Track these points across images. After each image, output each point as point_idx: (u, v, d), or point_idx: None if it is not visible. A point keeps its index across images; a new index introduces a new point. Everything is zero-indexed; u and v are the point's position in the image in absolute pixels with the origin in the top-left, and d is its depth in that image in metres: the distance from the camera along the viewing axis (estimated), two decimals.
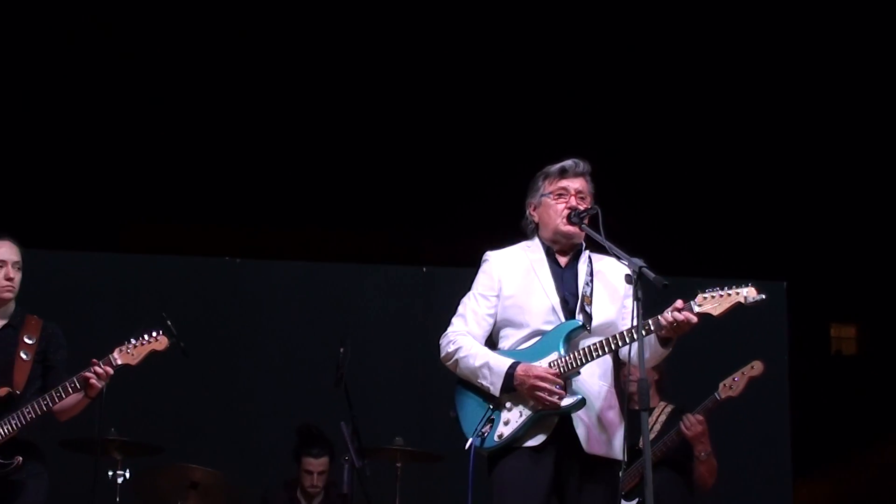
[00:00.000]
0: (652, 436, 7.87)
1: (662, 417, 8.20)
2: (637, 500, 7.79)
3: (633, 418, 7.29)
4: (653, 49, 15.48)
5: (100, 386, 6.61)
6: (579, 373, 5.83)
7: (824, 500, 27.91)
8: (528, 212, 6.19)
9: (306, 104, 15.76)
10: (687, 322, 5.71)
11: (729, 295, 5.78)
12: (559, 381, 5.76)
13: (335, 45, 15.17)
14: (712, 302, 5.77)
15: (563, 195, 6.02)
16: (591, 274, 6.04)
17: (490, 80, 15.43)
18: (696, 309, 5.75)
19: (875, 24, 15.00)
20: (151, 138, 15.50)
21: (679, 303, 5.76)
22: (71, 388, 6.60)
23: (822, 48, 15.60)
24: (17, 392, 6.73)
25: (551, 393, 5.74)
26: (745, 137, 16.93)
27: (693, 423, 7.88)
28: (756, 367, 7.90)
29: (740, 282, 5.82)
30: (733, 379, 7.89)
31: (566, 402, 5.79)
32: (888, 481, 26.73)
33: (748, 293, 5.77)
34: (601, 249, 5.99)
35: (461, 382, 6.04)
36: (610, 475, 5.96)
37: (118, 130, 15.34)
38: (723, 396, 7.90)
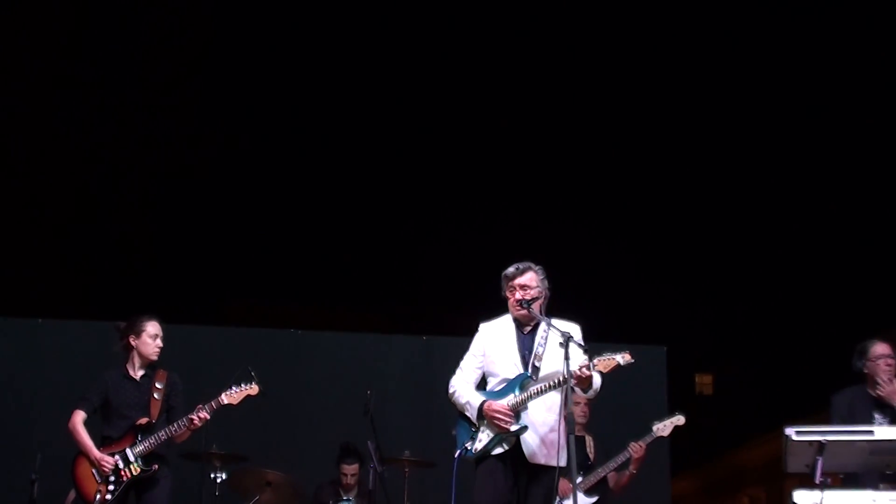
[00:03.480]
0: (593, 455, 8.13)
1: (593, 444, 8.27)
2: (597, 497, 7.97)
3: (579, 441, 7.53)
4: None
5: (199, 425, 6.78)
6: (527, 407, 6.11)
7: (691, 490, 28.06)
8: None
9: (356, 220, 15.87)
10: (586, 377, 5.98)
11: (612, 359, 6.00)
12: (510, 413, 6.07)
13: (392, 159, 15.25)
14: (602, 364, 6.03)
15: (513, 290, 6.33)
16: (545, 339, 6.23)
17: (484, 181, 15.54)
18: (593, 368, 6.01)
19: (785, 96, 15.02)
20: (244, 239, 15.59)
21: (584, 361, 5.95)
22: (182, 425, 6.73)
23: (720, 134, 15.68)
24: (153, 421, 6.87)
25: (503, 421, 6.06)
26: (648, 243, 17.09)
27: (639, 448, 7.99)
28: (680, 420, 8.02)
29: (622, 348, 6.02)
30: (663, 424, 7.99)
31: (513, 427, 6.09)
32: (734, 478, 26.99)
33: (623, 358, 5.98)
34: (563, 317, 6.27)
35: (459, 413, 6.33)
36: (548, 477, 6.15)
37: (222, 234, 15.43)
38: (656, 435, 8.01)
